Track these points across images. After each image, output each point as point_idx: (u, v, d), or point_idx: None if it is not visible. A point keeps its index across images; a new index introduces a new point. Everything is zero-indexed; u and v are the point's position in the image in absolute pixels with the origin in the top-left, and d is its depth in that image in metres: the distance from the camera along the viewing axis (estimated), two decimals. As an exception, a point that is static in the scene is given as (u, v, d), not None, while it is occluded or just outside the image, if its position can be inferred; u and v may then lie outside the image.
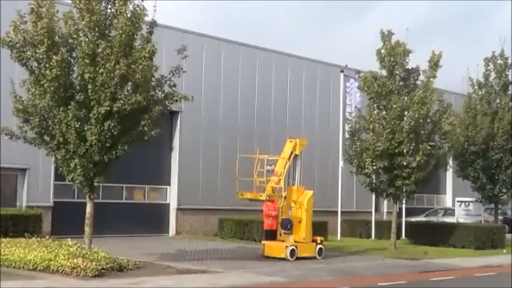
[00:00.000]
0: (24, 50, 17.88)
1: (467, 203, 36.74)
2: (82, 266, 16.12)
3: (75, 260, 16.35)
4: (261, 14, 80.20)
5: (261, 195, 22.33)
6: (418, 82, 27.16)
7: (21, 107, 18.29)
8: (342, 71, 34.40)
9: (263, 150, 33.09)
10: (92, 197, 18.76)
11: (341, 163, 32.56)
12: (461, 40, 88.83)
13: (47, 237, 19.95)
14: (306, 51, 43.15)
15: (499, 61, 33.09)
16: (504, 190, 33.13)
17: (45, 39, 17.53)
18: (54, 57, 17.46)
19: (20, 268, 16.82)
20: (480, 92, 33.31)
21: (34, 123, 18.23)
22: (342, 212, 33.65)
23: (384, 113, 26.83)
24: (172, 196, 31.76)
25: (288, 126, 35.59)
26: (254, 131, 34.16)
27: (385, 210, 38.74)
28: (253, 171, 22.70)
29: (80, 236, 18.84)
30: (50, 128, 18.32)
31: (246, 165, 23.83)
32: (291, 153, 23.35)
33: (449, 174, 41.88)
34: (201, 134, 32.33)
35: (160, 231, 31.17)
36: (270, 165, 23.09)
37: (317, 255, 23.09)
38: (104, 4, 18.25)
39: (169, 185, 31.80)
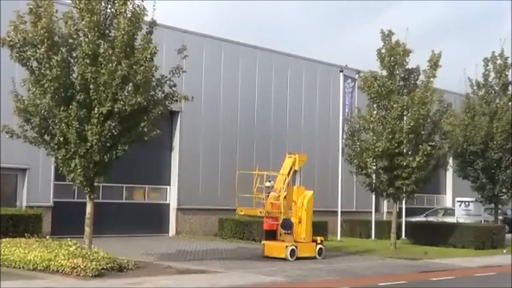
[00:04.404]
0: (25, 50, 17.89)
1: (467, 203, 36.68)
2: (82, 266, 16.12)
3: (75, 260, 16.35)
4: (266, 15, 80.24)
5: (260, 212, 22.38)
6: (418, 82, 27.17)
7: (22, 106, 18.30)
8: (342, 71, 34.39)
9: (263, 150, 33.46)
10: (92, 197, 18.76)
11: (341, 163, 32.54)
12: (464, 40, 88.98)
13: (47, 237, 19.95)
14: (309, 52, 43.01)
15: (499, 61, 33.05)
16: (504, 190, 33.08)
17: (45, 39, 17.55)
18: (54, 57, 17.47)
19: (20, 268, 16.82)
20: (479, 92, 33.30)
21: (35, 122, 18.23)
22: (342, 212, 33.63)
23: (384, 113, 26.83)
24: (172, 196, 31.74)
25: (288, 126, 35.63)
26: (254, 132, 34.14)
27: (385, 210, 38.74)
28: (253, 186, 22.70)
29: (80, 236, 18.85)
30: (51, 127, 18.33)
31: (246, 175, 23.85)
32: (290, 168, 23.36)
33: (449, 174, 41.91)
34: (201, 134, 32.33)
35: (160, 231, 31.16)
36: (270, 181, 23.13)
37: (317, 255, 23.10)
38: (103, 4, 18.26)
39: (169, 185, 31.79)
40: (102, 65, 17.71)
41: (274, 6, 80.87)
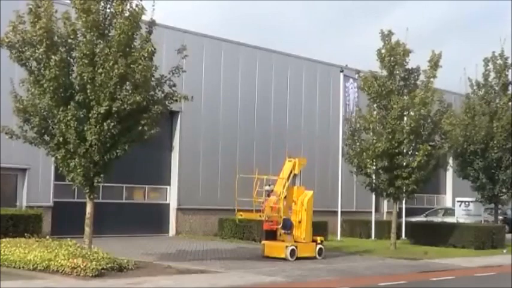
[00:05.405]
0: (24, 50, 17.88)
1: (467, 203, 36.67)
2: (82, 266, 16.11)
3: (75, 260, 16.34)
4: (266, 15, 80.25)
5: (260, 216, 22.32)
6: (418, 82, 27.16)
7: (21, 106, 18.30)
8: (342, 71, 34.39)
9: (263, 150, 33.43)
10: (92, 197, 18.75)
11: (341, 163, 32.52)
12: (464, 41, 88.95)
13: (47, 237, 19.94)
14: (309, 52, 42.93)
15: (499, 61, 33.03)
16: (504, 190, 33.06)
17: (44, 40, 17.54)
18: (53, 57, 17.46)
19: (20, 268, 16.82)
20: (479, 92, 33.28)
21: (34, 123, 18.24)
22: (342, 212, 33.63)
23: (384, 112, 26.82)
24: (172, 196, 31.74)
25: (287, 126, 35.62)
26: (254, 132, 34.14)
27: (385, 210, 38.74)
28: (253, 188, 22.65)
29: (80, 236, 18.84)
30: (50, 127, 18.34)
31: (246, 177, 23.84)
32: (290, 172, 23.33)
33: (449, 174, 41.89)
34: (201, 134, 32.32)
35: (161, 231, 31.15)
36: (269, 185, 23.09)
37: (317, 255, 23.09)
38: (102, 4, 18.24)
39: (169, 185, 31.79)
40: (99, 65, 17.69)
41: (274, 6, 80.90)
